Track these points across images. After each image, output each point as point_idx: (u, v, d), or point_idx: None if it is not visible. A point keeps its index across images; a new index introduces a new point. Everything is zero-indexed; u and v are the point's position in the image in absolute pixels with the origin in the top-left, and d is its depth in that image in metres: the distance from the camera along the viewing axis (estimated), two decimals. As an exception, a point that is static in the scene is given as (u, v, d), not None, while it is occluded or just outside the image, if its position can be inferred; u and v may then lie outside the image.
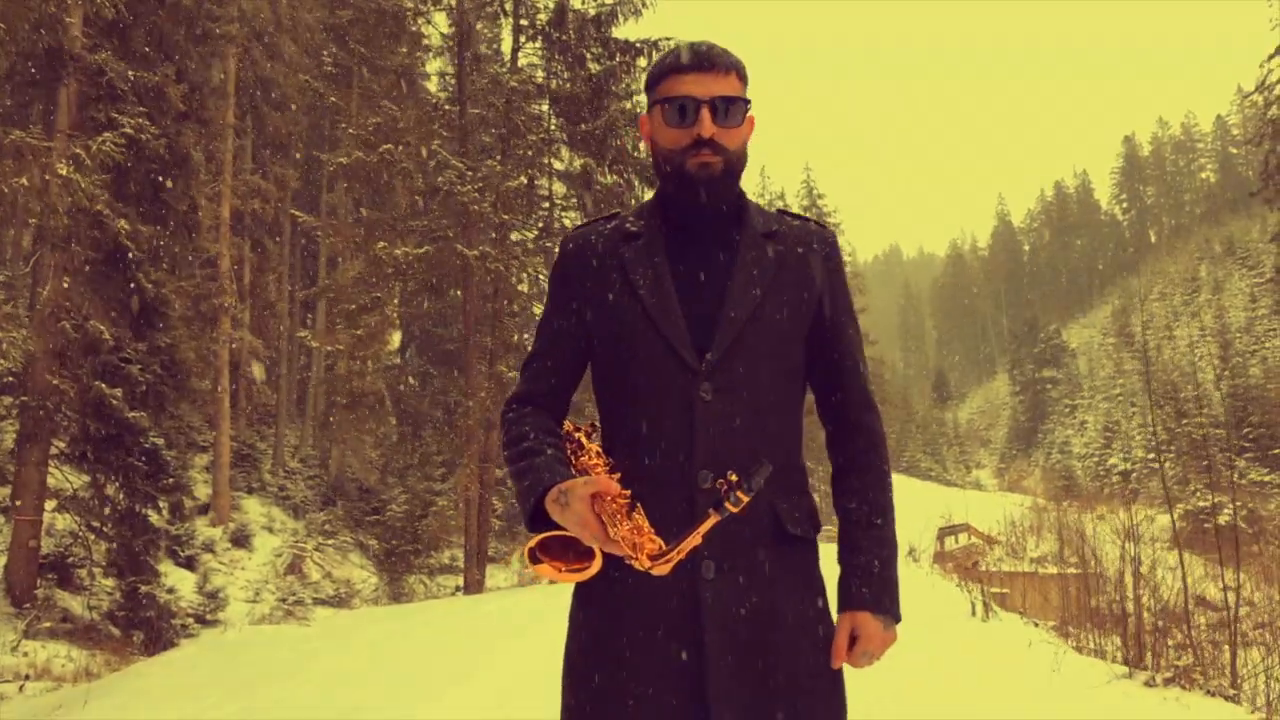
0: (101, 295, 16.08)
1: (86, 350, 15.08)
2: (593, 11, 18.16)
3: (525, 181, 17.15)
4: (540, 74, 18.06)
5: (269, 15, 23.63)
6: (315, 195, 27.57)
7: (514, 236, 17.53)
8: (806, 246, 1.77)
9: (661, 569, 1.41)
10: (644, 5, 18.02)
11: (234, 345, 22.70)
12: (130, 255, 15.69)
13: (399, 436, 25.38)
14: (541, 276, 17.89)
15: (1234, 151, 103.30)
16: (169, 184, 17.47)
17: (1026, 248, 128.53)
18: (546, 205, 18.82)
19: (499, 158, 16.71)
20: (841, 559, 1.73)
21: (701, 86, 1.66)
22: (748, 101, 1.71)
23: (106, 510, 15.21)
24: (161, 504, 16.34)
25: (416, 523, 22.30)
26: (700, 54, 1.68)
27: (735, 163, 1.70)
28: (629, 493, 1.47)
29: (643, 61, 17.93)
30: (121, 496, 15.27)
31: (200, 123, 19.57)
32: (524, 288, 17.89)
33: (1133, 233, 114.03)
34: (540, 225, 18.33)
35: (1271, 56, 36.21)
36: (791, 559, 1.68)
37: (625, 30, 17.54)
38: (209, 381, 21.12)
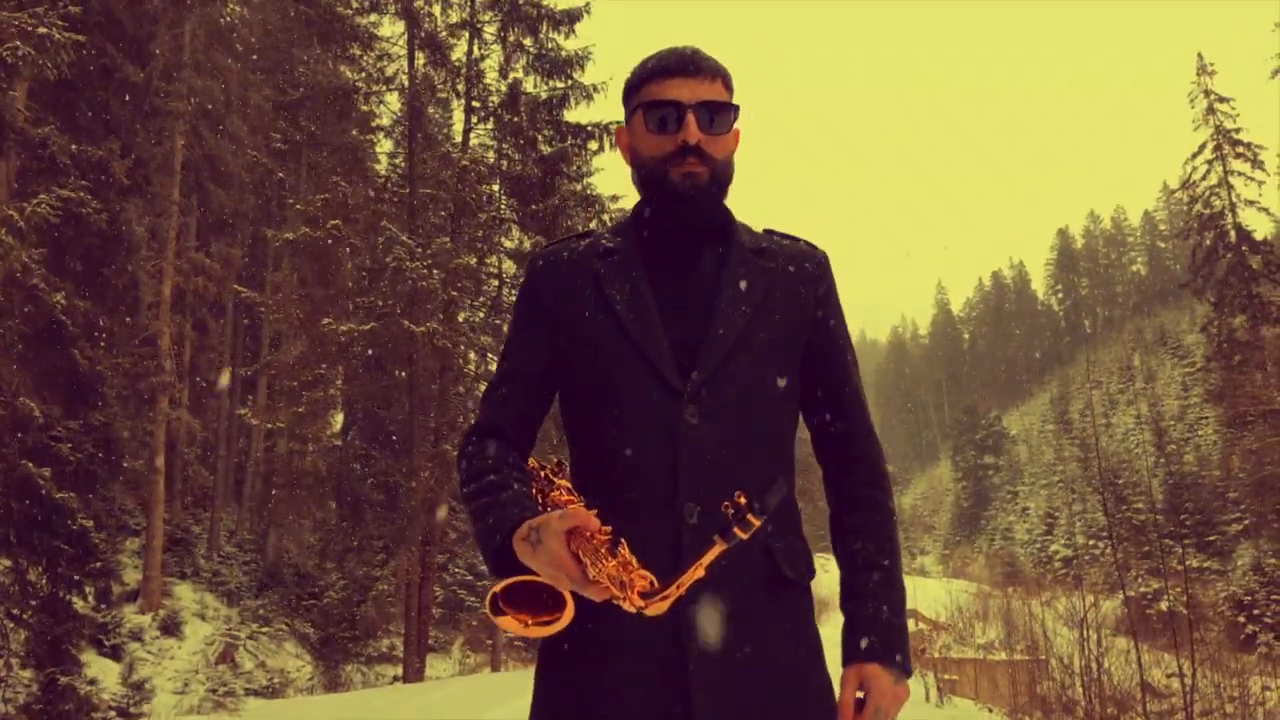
0: (34, 371, 15.62)
1: (15, 428, 14.56)
2: (545, 95, 18.37)
3: (475, 260, 17.08)
4: (491, 154, 18.16)
5: (219, 93, 23.60)
6: (260, 273, 27.27)
7: (461, 316, 17.41)
8: (799, 265, 1.63)
9: (657, 608, 1.23)
10: (596, 90, 18.26)
11: (171, 425, 22.11)
12: (66, 330, 15.32)
13: (338, 519, 24.77)
14: (491, 356, 17.75)
15: (1162, 245, 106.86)
16: (109, 259, 17.18)
17: (966, 335, 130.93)
18: (495, 284, 18.76)
19: (449, 236, 16.67)
20: (846, 606, 1.56)
21: (687, 91, 1.54)
22: (736, 108, 1.58)
23: (27, 597, 14.54)
24: (88, 589, 15.67)
25: (354, 609, 21.63)
26: (685, 57, 1.56)
27: (722, 174, 1.57)
28: (610, 529, 1.29)
29: (594, 144, 18.14)
30: (45, 581, 14.62)
31: (145, 198, 19.36)
32: (471, 367, 17.71)
33: (1068, 322, 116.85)
34: (489, 304, 18.23)
35: (1195, 155, 37.74)
36: (787, 605, 1.52)
37: (577, 114, 17.92)
38: (143, 462, 20.50)
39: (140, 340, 21.04)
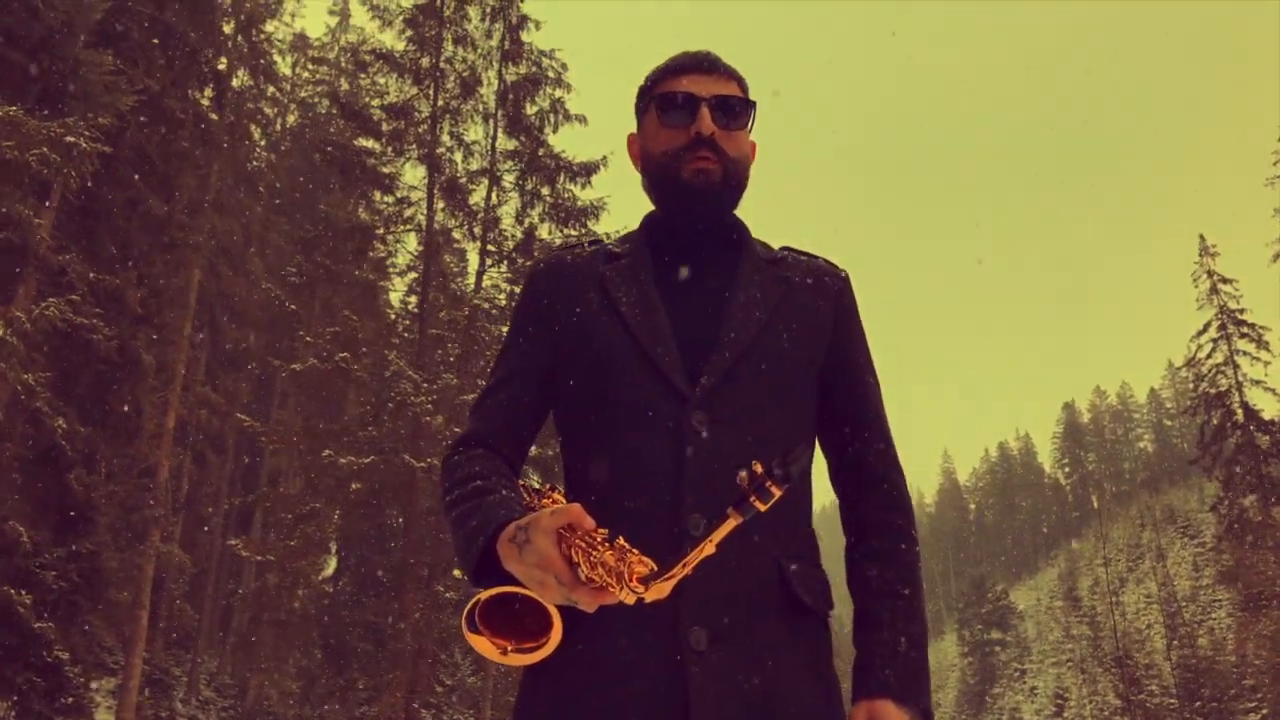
0: (27, 494, 15.43)
1: (0, 552, 14.28)
2: (558, 241, 18.78)
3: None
4: (503, 297, 18.41)
5: (239, 232, 24.16)
6: (265, 408, 27.31)
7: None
8: (817, 279, 1.53)
9: (660, 590, 1.07)
10: (607, 238, 18.55)
11: (160, 559, 21.68)
12: (65, 455, 15.19)
13: (323, 664, 24.04)
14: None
15: (1168, 423, 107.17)
16: (115, 387, 17.20)
17: (973, 506, 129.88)
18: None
19: (455, 373, 16.73)
20: (858, 637, 1.39)
21: (701, 86, 1.48)
22: (753, 105, 1.51)
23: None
24: (56, 727, 15.03)
25: (334, 761, 20.69)
26: (700, 55, 1.52)
27: (736, 174, 1.48)
28: (605, 530, 1.15)
29: (605, 290, 18.34)
30: (13, 716, 14.05)
31: (156, 328, 19.54)
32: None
33: (1075, 497, 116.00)
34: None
35: (1200, 334, 38.17)
36: (801, 635, 1.35)
37: (590, 262, 18.53)
38: (128, 595, 19.98)
39: (138, 471, 20.86)
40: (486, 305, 17.55)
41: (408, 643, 15.52)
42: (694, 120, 1.46)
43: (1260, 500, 34.37)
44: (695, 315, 1.44)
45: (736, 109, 1.49)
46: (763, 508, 1.05)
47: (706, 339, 1.41)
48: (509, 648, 1.16)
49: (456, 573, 19.22)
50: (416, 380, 15.74)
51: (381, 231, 18.83)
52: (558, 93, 19.65)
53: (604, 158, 19.36)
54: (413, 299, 22.41)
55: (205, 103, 20.97)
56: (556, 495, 1.38)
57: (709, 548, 1.07)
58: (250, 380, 27.25)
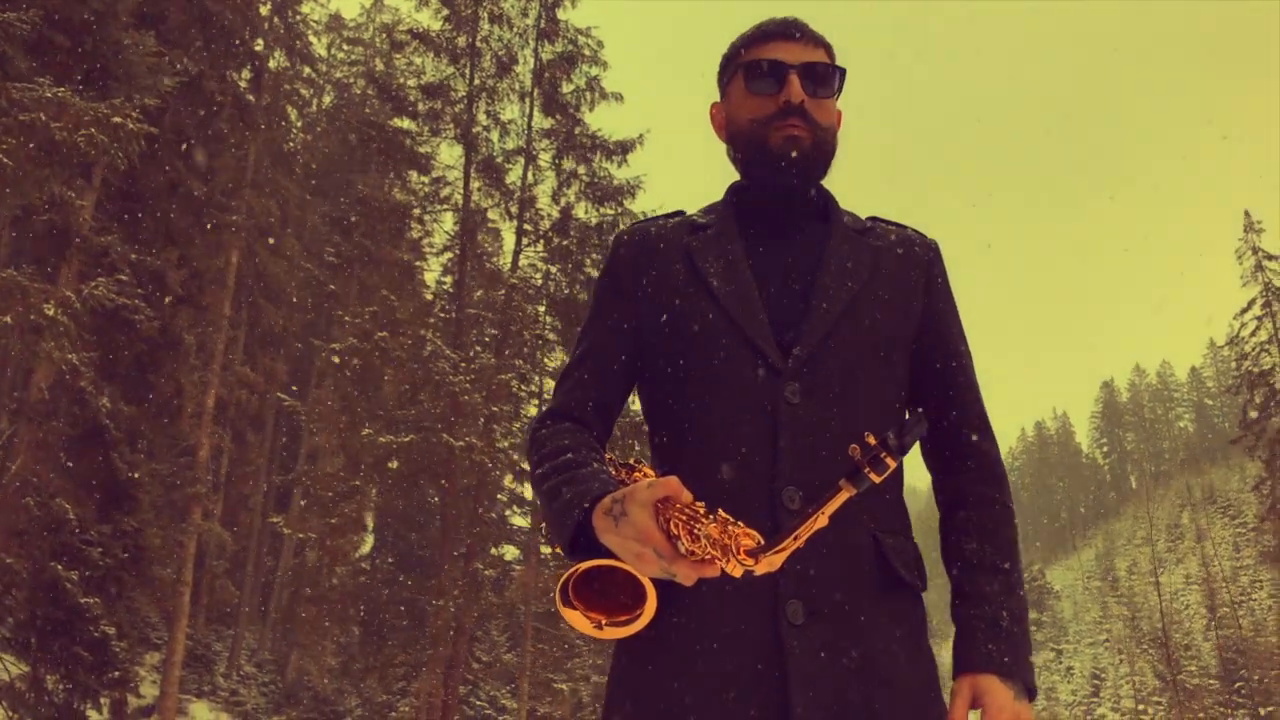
0: (72, 473, 15.67)
1: (47, 528, 14.50)
2: (595, 220, 18.76)
3: (517, 376, 17.16)
4: (539, 276, 18.42)
5: (276, 212, 24.29)
6: (304, 387, 27.54)
7: (502, 443, 17.30)
8: (908, 248, 1.51)
9: (771, 563, 1.04)
10: (645, 216, 18.58)
11: (202, 537, 21.97)
12: (109, 434, 15.40)
13: (361, 641, 24.35)
14: (525, 468, 17.62)
15: (1209, 402, 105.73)
16: (157, 367, 17.40)
17: (1010, 486, 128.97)
18: (537, 403, 18.77)
19: (492, 354, 16.78)
20: (958, 611, 1.36)
21: (789, 53, 1.45)
22: (842, 72, 1.48)
23: (40, 705, 14.21)
24: (103, 700, 15.30)
25: (374, 734, 20.96)
26: (788, 22, 1.48)
27: (826, 142, 1.45)
28: (702, 503, 1.12)
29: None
30: (61, 689, 14.31)
31: (196, 309, 19.74)
32: (508, 482, 17.58)
33: (1113, 476, 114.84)
34: (528, 423, 18.17)
35: (1243, 311, 37.56)
36: (898, 608, 1.33)
37: (625, 240, 18.54)
38: (171, 572, 20.28)
39: (180, 450, 21.13)
40: (522, 285, 17.57)
41: (446, 620, 15.63)
42: (783, 88, 1.43)
43: (1304, 480, 33.89)
44: (785, 286, 1.41)
45: (825, 76, 1.46)
46: (877, 479, 1.02)
47: (797, 310, 1.38)
48: (604, 621, 1.14)
49: (501, 551, 19.36)
50: (454, 359, 15.79)
51: (418, 211, 18.85)
52: (594, 70, 19.56)
53: (640, 136, 19.31)
54: (449, 279, 22.47)
55: (243, 84, 21.06)
56: (647, 469, 1.36)
57: (822, 519, 1.04)
58: (288, 360, 27.48)
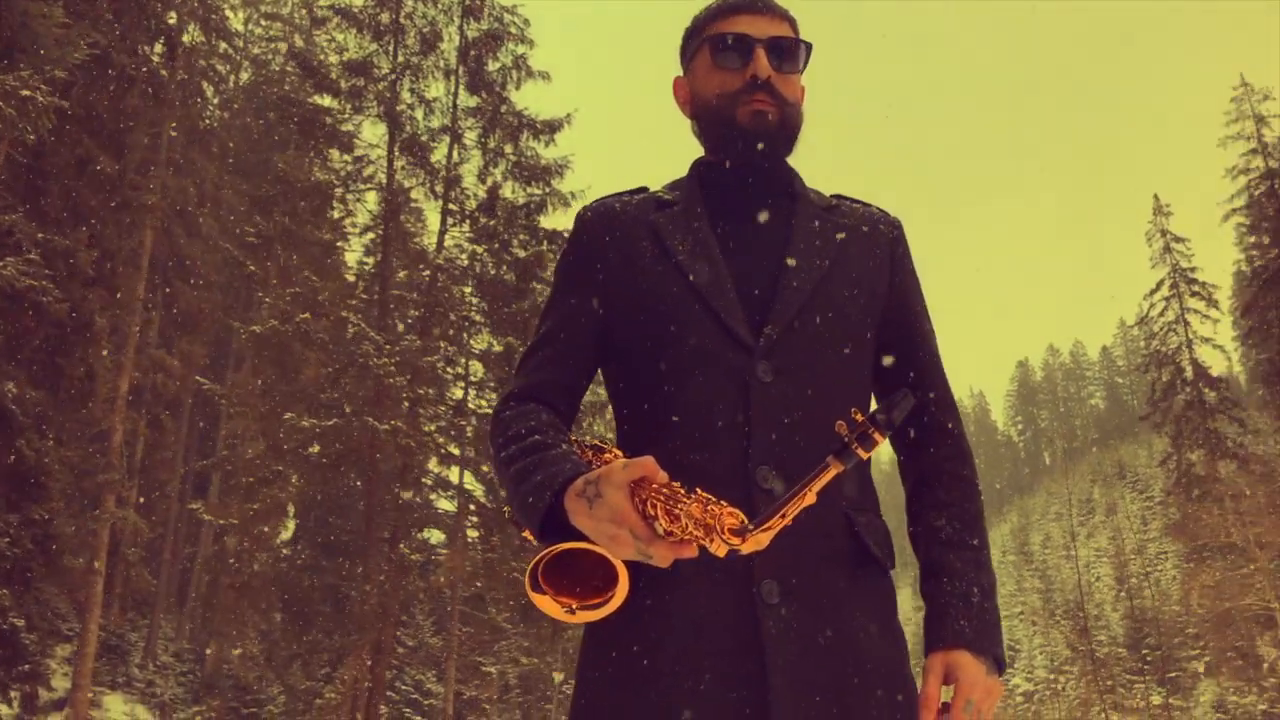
0: (-24, 461, 15.11)
1: (-49, 518, 14.01)
2: (522, 200, 18.58)
3: (443, 359, 16.97)
4: (465, 257, 18.20)
5: (193, 192, 23.62)
6: (222, 370, 26.92)
7: (428, 427, 17.09)
8: (873, 226, 1.50)
9: (758, 541, 1.02)
10: (574, 197, 18.57)
11: (116, 525, 21.37)
12: (16, 420, 14.88)
13: (284, 628, 23.98)
14: (452, 451, 17.51)
15: (1120, 380, 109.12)
16: (67, 350, 16.85)
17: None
18: (463, 386, 18.60)
19: (417, 335, 16.56)
20: (928, 588, 1.37)
21: (755, 27, 1.43)
22: (808, 47, 1.47)
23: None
24: (13, 694, 14.87)
25: (297, 722, 20.68)
26: None
27: (791, 119, 1.44)
28: (678, 483, 1.10)
29: (569, 251, 18.28)
30: (-33, 683, 13.89)
31: (109, 290, 19.11)
32: (433, 466, 17.41)
33: (1028, 453, 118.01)
34: (453, 408, 18.01)
35: (1152, 292, 38.79)
36: (869, 586, 1.33)
37: (554, 220, 18.13)
38: (83, 561, 19.69)
39: (92, 436, 20.49)
40: (448, 265, 17.35)
41: (372, 605, 15.46)
42: (749, 62, 1.41)
43: (1207, 455, 35.18)
44: (754, 263, 1.39)
45: (792, 51, 1.44)
46: (865, 455, 1.02)
47: (767, 287, 1.37)
48: (575, 606, 1.12)
49: (427, 536, 19.16)
50: (378, 342, 15.55)
51: (340, 191, 18.49)
52: (520, 49, 19.36)
53: (568, 115, 19.19)
54: (371, 260, 22.11)
55: (156, 59, 20.39)
56: (616, 451, 1.33)
57: (810, 496, 1.03)
58: (206, 343, 26.83)
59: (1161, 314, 38.03)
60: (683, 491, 1.08)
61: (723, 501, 1.06)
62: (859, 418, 1.02)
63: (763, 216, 1.44)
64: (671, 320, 1.35)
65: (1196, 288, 37.73)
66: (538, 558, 1.11)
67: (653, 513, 1.07)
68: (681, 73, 1.54)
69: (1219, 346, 39.23)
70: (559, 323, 1.45)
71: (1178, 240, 38.39)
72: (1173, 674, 44.40)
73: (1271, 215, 34.61)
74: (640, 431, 1.38)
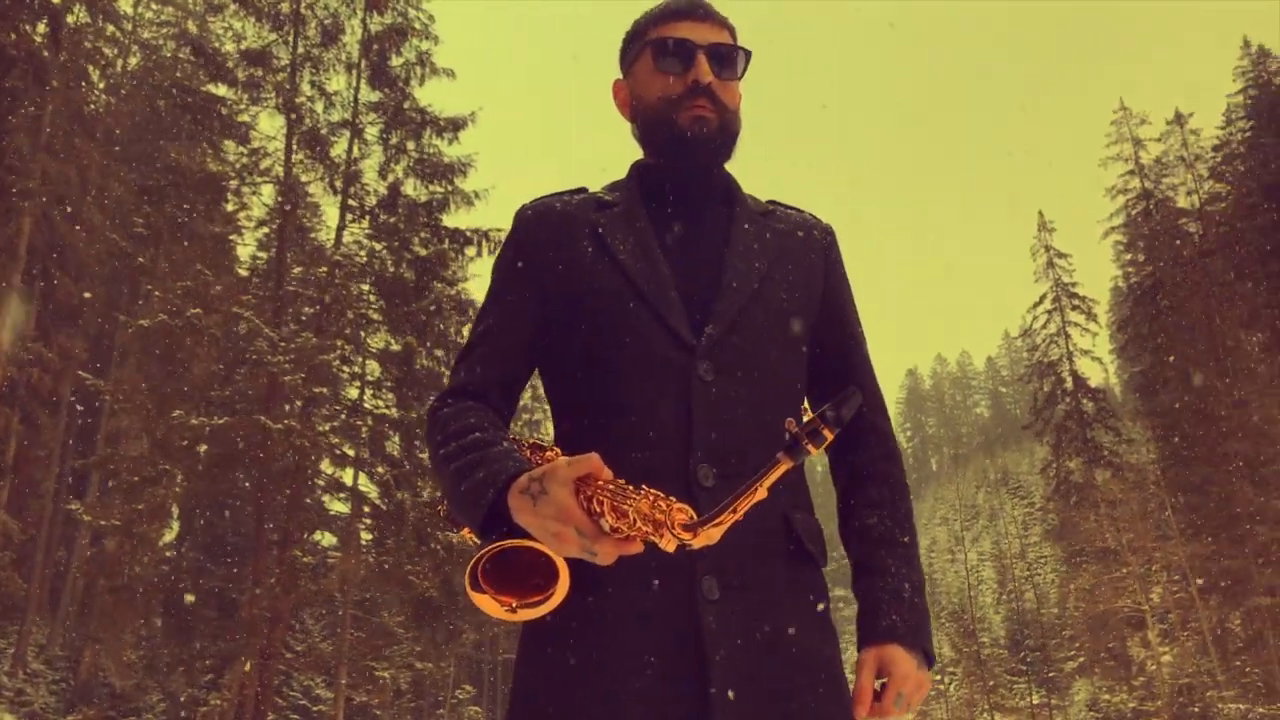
0: None
1: None
2: (424, 198, 18.30)
3: (339, 357, 16.61)
4: (364, 254, 17.83)
5: (76, 180, 22.66)
6: (105, 366, 25.85)
7: (322, 426, 16.69)
8: (807, 232, 1.55)
9: (709, 536, 1.04)
10: (476, 196, 18.37)
11: (-15, 525, 20.32)
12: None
13: (165, 634, 23.17)
14: (346, 452, 17.11)
15: (1003, 390, 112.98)
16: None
17: (820, 468, 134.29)
18: (359, 385, 18.23)
19: (313, 332, 16.17)
20: (860, 584, 1.42)
21: (696, 33, 1.45)
22: (747, 54, 1.50)
23: None
24: None
25: (178, 732, 19.97)
26: (695, 2, 1.49)
27: (730, 124, 1.47)
28: (623, 480, 1.11)
29: (471, 250, 18.11)
30: None
31: (-18, 280, 18.21)
32: (326, 467, 17.00)
33: (916, 460, 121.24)
34: (348, 408, 17.63)
35: (1035, 306, 40.29)
36: (805, 582, 1.36)
37: (456, 219, 17.86)
38: (-51, 564, 18.72)
39: (-40, 432, 19.50)
40: (346, 261, 16.98)
41: (260, 609, 15.03)
42: (690, 67, 1.43)
43: (1084, 463, 36.66)
44: (694, 265, 1.42)
45: (731, 58, 1.47)
46: (815, 451, 1.04)
47: (707, 288, 1.39)
48: (515, 604, 1.11)
49: (319, 538, 18.70)
50: (272, 338, 15.12)
51: (234, 183, 17.92)
52: (424, 45, 19.04)
53: (472, 113, 18.98)
54: (265, 254, 21.51)
55: (38, 39, 19.51)
56: (557, 451, 1.33)
57: (761, 492, 1.05)
58: (88, 337, 25.74)
59: (1044, 326, 39.54)
60: (630, 488, 1.09)
61: (672, 497, 1.07)
62: (808, 415, 1.04)
63: (702, 219, 1.47)
64: (613, 319, 1.37)
65: (1077, 302, 39.34)
66: (478, 555, 1.10)
67: (598, 509, 1.08)
68: (621, 76, 1.56)
69: (1097, 358, 41.03)
70: (498, 320, 1.45)
71: (1060, 256, 39.98)
72: (1050, 674, 46.10)
73: (1147, 234, 36.32)
74: (580, 430, 1.38)
